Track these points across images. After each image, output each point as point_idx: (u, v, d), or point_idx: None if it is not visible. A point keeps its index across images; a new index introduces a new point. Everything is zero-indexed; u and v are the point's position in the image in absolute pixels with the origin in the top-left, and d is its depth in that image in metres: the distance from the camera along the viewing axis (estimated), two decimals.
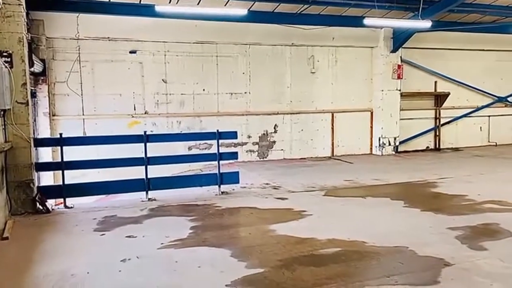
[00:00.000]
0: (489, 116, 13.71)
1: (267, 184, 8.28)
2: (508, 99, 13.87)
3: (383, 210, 6.37)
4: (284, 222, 5.79)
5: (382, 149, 12.08)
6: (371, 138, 12.37)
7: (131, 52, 10.04)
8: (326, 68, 11.81)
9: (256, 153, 11.23)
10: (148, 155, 7.04)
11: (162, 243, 4.96)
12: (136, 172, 7.12)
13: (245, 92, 11.03)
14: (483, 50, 13.26)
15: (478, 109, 13.53)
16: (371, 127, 12.36)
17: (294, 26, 10.95)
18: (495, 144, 13.63)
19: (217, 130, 7.46)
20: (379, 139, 12.10)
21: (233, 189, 7.72)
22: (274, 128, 11.35)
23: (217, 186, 7.46)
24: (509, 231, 5.19)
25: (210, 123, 10.47)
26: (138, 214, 6.26)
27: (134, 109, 10.10)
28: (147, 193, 7.05)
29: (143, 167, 7.03)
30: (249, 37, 10.84)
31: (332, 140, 11.97)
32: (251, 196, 7.37)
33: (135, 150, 7.12)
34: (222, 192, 7.46)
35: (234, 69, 10.90)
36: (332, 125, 11.94)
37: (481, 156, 11.67)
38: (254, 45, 10.98)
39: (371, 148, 12.40)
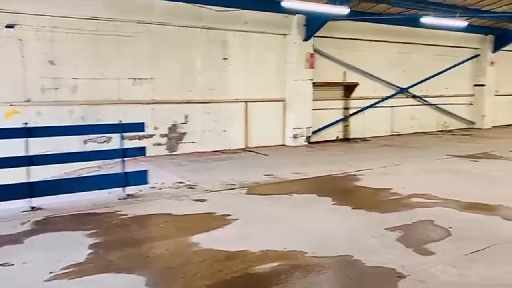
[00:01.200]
0: (392, 106, 14.15)
1: (180, 182, 7.27)
2: (409, 90, 14.46)
3: (313, 210, 5.80)
4: (207, 231, 4.89)
5: (295, 140, 11.71)
6: (284, 129, 11.94)
7: (7, 26, 8.21)
8: (239, 54, 11.02)
9: (165, 146, 10.07)
10: (31, 153, 5.62)
11: (51, 272, 3.77)
12: (15, 175, 5.64)
13: (151, 78, 9.77)
14: (388, 41, 13.57)
15: (383, 99, 13.88)
16: (284, 117, 11.91)
17: (204, 6, 9.96)
18: (397, 133, 14.15)
19: (120, 122, 6.26)
20: (293, 130, 11.70)
21: (141, 191, 6.60)
22: (185, 118, 10.29)
23: (121, 189, 6.28)
24: (446, 229, 4.92)
25: (109, 113, 9.06)
26: (17, 231, 4.88)
27: (13, 96, 8.31)
28: (30, 201, 5.63)
29: (25, 168, 5.59)
30: (154, 16, 9.57)
31: (246, 131, 11.27)
32: (164, 199, 6.33)
33: (13, 147, 5.63)
34: (128, 196, 6.29)
35: (137, 51, 9.57)
36: (246, 115, 11.24)
37: (389, 146, 11.90)
38: (160, 25, 9.74)
39: (284, 139, 11.96)
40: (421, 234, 4.82)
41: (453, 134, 14.63)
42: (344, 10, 9.27)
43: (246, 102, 11.21)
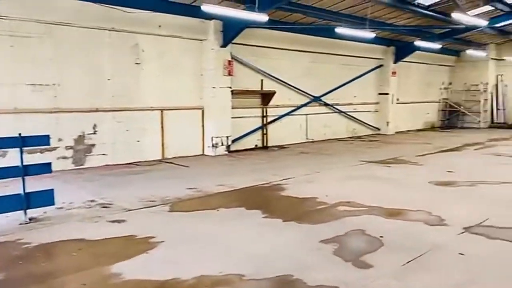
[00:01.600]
0: (306, 114, 14.45)
1: (92, 201, 6.51)
2: (322, 98, 14.89)
3: (244, 225, 5.49)
4: (129, 258, 4.33)
5: (215, 149, 11.35)
6: (203, 138, 11.52)
7: None
8: (153, 59, 10.40)
9: (71, 159, 9.08)
10: None
11: None
12: None
13: (54, 84, 8.76)
14: (302, 51, 13.85)
15: (298, 108, 14.11)
16: (203, 126, 11.50)
17: (115, 7, 9.22)
18: (312, 140, 14.47)
19: (20, 135, 5.39)
20: (212, 139, 11.33)
21: (46, 213, 5.76)
22: (93, 128, 9.39)
23: (21, 212, 5.40)
24: (378, 239, 4.92)
25: (3, 123, 7.92)
26: None
27: None
28: None
29: None
30: (58, 15, 8.61)
31: (162, 141, 10.65)
32: (74, 221, 5.57)
33: None
34: (31, 219, 5.44)
35: (38, 54, 8.52)
36: (162, 124, 10.62)
37: (307, 153, 12.07)
38: (65, 25, 8.79)
39: (203, 149, 11.54)
40: (356, 246, 4.75)
41: (362, 140, 15.37)
42: (263, 17, 9.17)
43: (161, 110, 10.60)
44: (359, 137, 16.26)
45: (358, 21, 12.79)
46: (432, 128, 20.69)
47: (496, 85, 20.93)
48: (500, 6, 13.85)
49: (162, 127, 10.61)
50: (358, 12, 12.68)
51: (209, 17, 10.70)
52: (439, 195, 7.16)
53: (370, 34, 12.89)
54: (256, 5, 8.96)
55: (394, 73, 17.34)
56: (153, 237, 4.94)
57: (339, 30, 11.85)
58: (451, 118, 21.52)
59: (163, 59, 10.58)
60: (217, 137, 11.38)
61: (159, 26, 10.23)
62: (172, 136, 10.79)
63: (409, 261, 4.24)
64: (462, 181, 8.16)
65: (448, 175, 8.77)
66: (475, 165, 10.27)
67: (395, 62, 17.25)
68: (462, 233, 5.11)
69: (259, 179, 8.25)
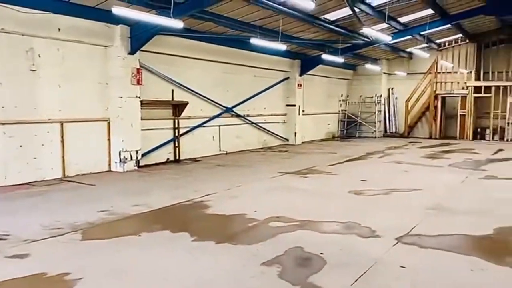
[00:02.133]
0: (219, 126, 14.14)
1: None
2: (234, 109, 14.71)
3: (173, 251, 4.94)
4: None
5: (123, 165, 10.44)
6: (110, 153, 10.54)
7: None
8: (52, 66, 9.25)
9: None
10: None
11: None
12: None
13: None
14: (214, 61, 13.55)
15: (210, 119, 13.73)
16: (109, 139, 10.52)
17: (4, 5, 8.01)
18: (225, 152, 14.17)
19: None
20: (120, 153, 10.42)
21: None
22: None
23: None
24: (319, 256, 4.73)
25: None
26: None
27: None
28: None
29: None
30: None
31: (63, 157, 9.48)
32: None
33: None
34: None
35: None
36: (62, 138, 9.47)
37: (223, 165, 11.72)
38: None
39: (109, 164, 10.56)
40: (299, 266, 4.50)
41: (273, 151, 15.48)
42: (178, 23, 8.66)
43: (62, 122, 9.47)
44: (269, 148, 16.39)
45: (269, 34, 12.88)
46: (333, 138, 21.76)
47: (388, 98, 22.76)
48: (394, 23, 15.04)
49: (62, 141, 9.46)
50: (269, 24, 12.76)
51: (115, 21, 9.89)
52: (362, 205, 7.29)
53: (282, 46, 13.05)
54: (171, 10, 8.42)
55: (299, 85, 17.88)
56: (68, 273, 4.18)
57: (254, 40, 11.79)
58: (350, 128, 22.86)
59: (63, 66, 9.47)
60: (125, 151, 10.49)
61: (59, 29, 9.14)
62: (74, 151, 9.67)
63: (356, 280, 4.10)
64: (377, 189, 8.46)
65: (362, 184, 9.06)
66: (383, 173, 10.82)
67: (301, 74, 17.79)
68: (396, 244, 5.16)
69: (179, 197, 7.68)
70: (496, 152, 15.15)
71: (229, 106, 14.47)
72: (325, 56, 15.88)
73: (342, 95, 22.72)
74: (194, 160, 12.69)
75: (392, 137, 21.98)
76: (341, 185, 9.08)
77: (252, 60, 14.93)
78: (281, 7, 11.20)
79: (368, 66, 20.56)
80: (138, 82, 10.76)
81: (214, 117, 13.89)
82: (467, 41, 20.26)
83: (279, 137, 17.47)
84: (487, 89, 19.92)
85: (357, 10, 12.55)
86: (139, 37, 10.37)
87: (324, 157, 13.83)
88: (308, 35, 14.81)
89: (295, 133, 17.80)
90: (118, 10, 7.57)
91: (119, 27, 10.20)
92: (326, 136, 21.37)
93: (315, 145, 18.14)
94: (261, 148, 16.04)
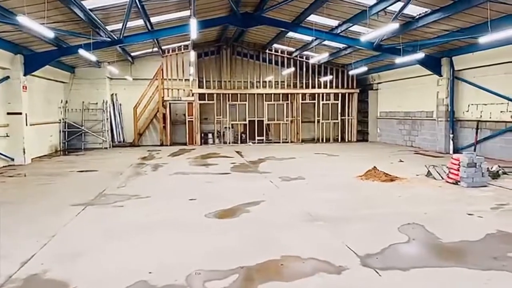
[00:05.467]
0: None
1: None
2: None
3: None
4: None
5: None
6: None
7: None
8: None
9: None
10: None
11: None
12: None
13: None
14: None
15: None
16: None
17: None
18: None
19: None
20: None
21: None
22: None
23: None
24: None
25: None
26: None
27: None
28: None
29: None
30: None
31: None
32: None
33: None
34: None
35: None
36: None
37: None
38: None
39: None
40: None
41: None
42: None
43: None
44: None
45: None
46: (56, 151, 18.20)
47: (113, 104, 20.94)
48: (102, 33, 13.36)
49: None
50: None
51: None
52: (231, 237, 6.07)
53: None
54: None
55: (25, 87, 13.85)
56: None
57: None
58: (72, 139, 19.66)
59: None
60: None
61: None
62: None
63: None
64: (217, 209, 7.34)
65: (201, 206, 7.70)
66: (187, 187, 9.61)
67: (25, 74, 13.81)
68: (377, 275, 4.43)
69: None
70: (238, 152, 16.35)
71: None
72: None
73: (61, 101, 19.28)
74: None
75: (122, 146, 20.37)
76: (192, 209, 7.41)
77: None
78: None
79: (89, 68, 18.20)
80: None
81: None
82: (190, 49, 21.08)
83: (1, 157, 13.00)
84: (210, 96, 21.38)
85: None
86: None
87: (76, 182, 11.13)
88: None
89: (24, 149, 13.67)
90: None
91: None
92: (50, 151, 17.63)
93: (51, 163, 14.45)
94: None
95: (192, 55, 18.39)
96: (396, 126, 20.31)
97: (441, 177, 10.06)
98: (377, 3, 11.81)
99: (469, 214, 6.81)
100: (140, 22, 13.54)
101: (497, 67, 13.50)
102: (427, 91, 17.32)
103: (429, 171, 10.49)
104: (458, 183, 9.23)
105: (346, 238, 5.55)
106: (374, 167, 10.75)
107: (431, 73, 16.13)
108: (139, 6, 11.66)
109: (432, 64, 15.74)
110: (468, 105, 15.11)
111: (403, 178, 10.14)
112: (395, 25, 11.07)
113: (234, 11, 14.06)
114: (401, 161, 13.67)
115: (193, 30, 11.93)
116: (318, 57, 18.57)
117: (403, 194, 8.39)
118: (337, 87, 22.42)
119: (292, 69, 21.12)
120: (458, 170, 9.28)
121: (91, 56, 13.83)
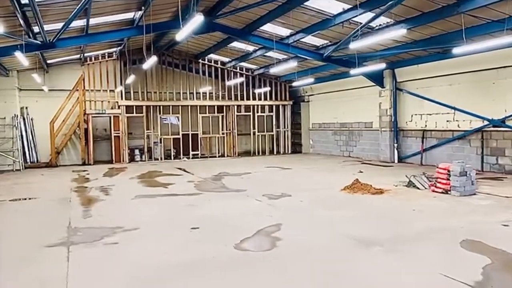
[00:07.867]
0: None
1: None
2: None
3: None
4: None
5: None
6: None
7: None
8: None
9: None
10: None
11: None
12: None
13: None
14: None
15: None
16: None
17: None
18: None
19: None
20: None
21: None
22: None
23: None
24: None
25: None
26: None
27: None
28: None
29: None
30: None
31: None
32: None
33: None
34: None
35: None
36: None
37: None
38: None
39: None
40: None
41: None
42: None
43: None
44: None
45: None
46: None
47: (24, 119, 17.95)
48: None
49: None
50: None
51: None
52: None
53: None
54: None
55: None
56: None
57: None
58: None
59: None
60: None
61: None
62: None
63: None
64: (249, 236, 6.27)
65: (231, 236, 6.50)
66: (167, 213, 8.25)
67: None
68: None
69: None
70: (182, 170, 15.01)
71: None
72: None
73: None
74: None
75: (37, 167, 17.49)
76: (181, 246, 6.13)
77: None
78: None
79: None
80: None
81: None
82: (114, 57, 19.06)
83: None
84: (139, 108, 19.51)
85: None
86: None
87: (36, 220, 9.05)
88: None
89: None
90: None
91: None
92: None
93: None
94: None
95: (116, 64, 16.51)
96: (331, 137, 20.58)
97: (424, 187, 10.08)
98: (343, 12, 11.65)
99: (504, 225, 6.67)
100: (78, 23, 11.61)
101: (442, 79, 14.27)
102: (365, 102, 17.82)
103: (410, 181, 10.46)
104: (448, 192, 9.26)
105: (432, 266, 4.90)
106: (357, 179, 10.43)
107: (369, 85, 16.59)
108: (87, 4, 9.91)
109: (374, 75, 16.16)
110: (412, 115, 15.78)
111: (388, 190, 9.94)
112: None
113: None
114: (360, 171, 13.64)
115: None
116: (235, 80, 19.26)
117: (414, 207, 8.08)
118: (271, 99, 22.14)
119: (268, 88, 21.56)
120: (447, 179, 9.33)
121: (25, 61, 11.51)
